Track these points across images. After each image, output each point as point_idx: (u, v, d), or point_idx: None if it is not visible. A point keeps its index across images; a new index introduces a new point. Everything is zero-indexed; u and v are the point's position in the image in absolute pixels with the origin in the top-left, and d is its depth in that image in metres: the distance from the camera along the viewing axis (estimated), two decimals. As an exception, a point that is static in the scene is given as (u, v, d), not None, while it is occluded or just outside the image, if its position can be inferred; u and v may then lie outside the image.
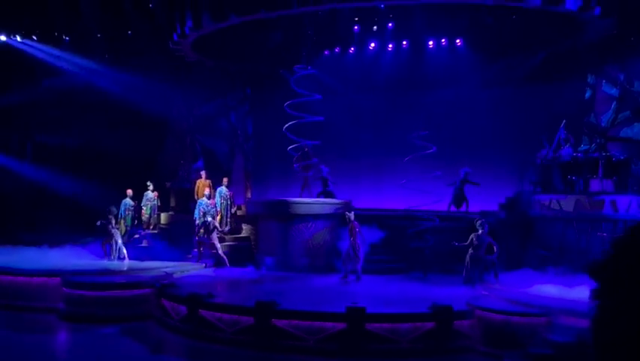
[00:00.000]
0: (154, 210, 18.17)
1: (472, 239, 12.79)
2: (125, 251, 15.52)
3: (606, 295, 1.21)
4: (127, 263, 15.13)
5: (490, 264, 12.59)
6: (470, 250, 12.77)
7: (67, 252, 15.56)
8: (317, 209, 15.70)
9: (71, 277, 12.92)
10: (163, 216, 18.25)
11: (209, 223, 15.69)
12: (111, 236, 15.40)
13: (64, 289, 12.77)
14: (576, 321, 8.95)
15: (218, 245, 15.68)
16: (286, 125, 16.79)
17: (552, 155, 14.97)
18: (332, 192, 16.86)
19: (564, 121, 15.17)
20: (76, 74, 19.70)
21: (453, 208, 16.33)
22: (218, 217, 17.07)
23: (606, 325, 1.20)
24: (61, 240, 16.06)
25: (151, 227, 18.08)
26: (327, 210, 15.63)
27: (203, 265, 15.48)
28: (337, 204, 15.90)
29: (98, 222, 15.36)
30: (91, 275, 13.33)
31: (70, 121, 20.12)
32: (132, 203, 17.67)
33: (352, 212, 14.07)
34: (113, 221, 15.75)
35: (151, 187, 18.17)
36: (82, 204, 18.26)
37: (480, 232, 12.75)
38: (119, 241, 15.54)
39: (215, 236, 15.62)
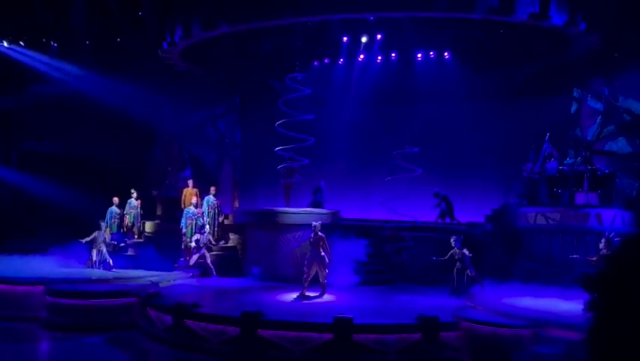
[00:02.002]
0: (137, 219, 18.01)
1: (451, 254, 12.91)
2: (110, 261, 15.41)
3: (603, 306, 1.23)
4: (112, 272, 14.98)
5: (473, 277, 12.66)
6: (458, 264, 12.86)
7: (52, 260, 15.39)
8: (305, 219, 15.64)
9: (55, 286, 12.76)
10: (149, 225, 18.11)
11: (205, 235, 15.72)
12: (100, 245, 15.34)
13: (47, 297, 12.60)
14: (563, 333, 9.01)
15: (208, 254, 15.69)
16: (277, 123, 16.68)
17: (538, 169, 15.12)
18: (321, 202, 16.83)
19: (548, 134, 15.35)
20: (64, 80, 19.57)
21: (440, 220, 16.49)
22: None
23: (603, 335, 1.22)
24: (47, 247, 15.89)
25: (136, 236, 17.92)
26: (314, 220, 15.57)
27: (190, 274, 15.38)
28: (325, 214, 15.88)
29: (84, 241, 15.31)
30: (75, 284, 13.18)
31: (57, 128, 19.95)
32: (118, 211, 17.55)
33: (320, 222, 13.44)
34: (102, 229, 15.65)
35: (135, 195, 18.01)
36: (68, 212, 18.09)
37: (456, 248, 12.87)
38: (105, 250, 15.44)
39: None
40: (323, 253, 12.89)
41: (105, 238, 15.57)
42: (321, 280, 13.02)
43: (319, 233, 13.01)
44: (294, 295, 12.97)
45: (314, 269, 12.91)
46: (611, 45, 15.24)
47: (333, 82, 19.78)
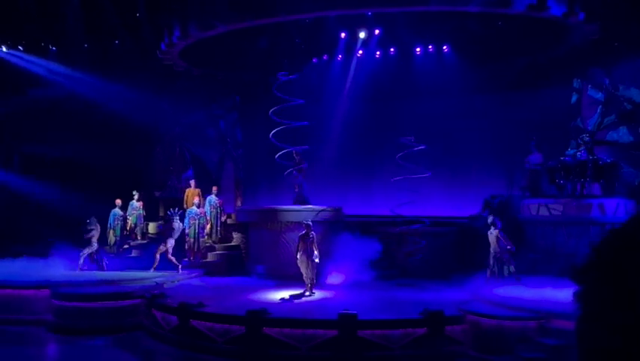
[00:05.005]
0: (139, 220, 18.03)
1: (493, 237, 12.51)
2: (103, 263, 15.57)
3: (589, 298, 1.23)
4: (116, 274, 15.01)
5: (506, 261, 12.39)
6: (491, 249, 12.50)
7: (56, 263, 15.43)
8: (307, 216, 15.63)
9: (60, 289, 12.80)
10: (152, 226, 18.12)
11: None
12: (92, 246, 15.45)
13: (53, 301, 12.64)
14: (568, 324, 8.98)
15: (164, 248, 15.31)
16: (273, 131, 16.71)
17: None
18: (306, 197, 16.64)
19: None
20: (63, 84, 19.58)
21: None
22: (209, 226, 17.02)
23: (589, 328, 1.22)
24: (51, 251, 15.94)
25: (139, 237, 17.94)
26: (317, 217, 15.57)
27: (194, 274, 15.39)
28: (328, 210, 15.87)
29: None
30: (80, 286, 13.22)
31: (57, 131, 19.96)
32: (121, 213, 17.57)
33: (310, 220, 13.45)
34: (93, 232, 15.69)
35: (136, 196, 18.03)
36: (71, 215, 18.10)
37: (493, 229, 12.51)
38: (88, 251, 15.51)
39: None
40: (315, 252, 12.87)
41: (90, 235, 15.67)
42: (312, 277, 13.02)
43: (311, 232, 12.96)
44: (299, 292, 12.99)
45: (308, 268, 12.92)
46: (610, 34, 15.14)
47: (332, 78, 19.72)
